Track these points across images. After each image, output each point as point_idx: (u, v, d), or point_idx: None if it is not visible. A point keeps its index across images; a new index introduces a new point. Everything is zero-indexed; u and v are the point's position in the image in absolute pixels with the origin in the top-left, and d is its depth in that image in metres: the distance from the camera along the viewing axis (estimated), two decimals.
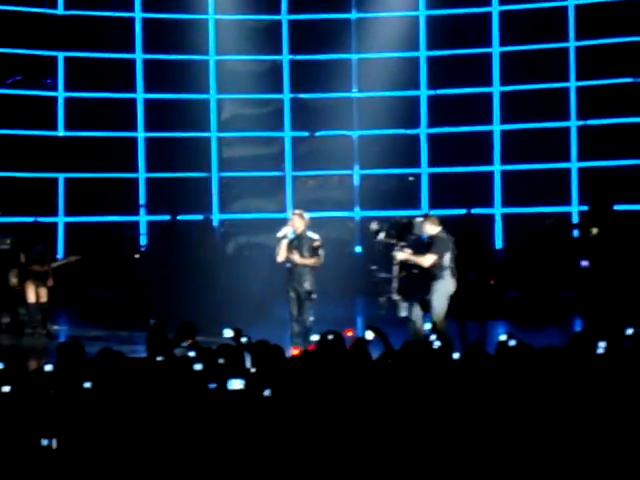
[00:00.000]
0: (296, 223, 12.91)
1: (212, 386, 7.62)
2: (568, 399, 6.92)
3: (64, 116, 21.79)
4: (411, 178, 22.74)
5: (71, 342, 8.47)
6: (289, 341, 12.56)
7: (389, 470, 6.03)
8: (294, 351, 10.70)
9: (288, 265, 12.87)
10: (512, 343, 8.54)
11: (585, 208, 20.12)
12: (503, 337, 8.93)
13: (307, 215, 13.07)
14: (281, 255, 12.87)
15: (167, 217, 20.09)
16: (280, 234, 12.87)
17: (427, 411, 6.78)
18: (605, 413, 6.64)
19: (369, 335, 9.68)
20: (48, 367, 7.97)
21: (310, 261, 12.80)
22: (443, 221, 12.93)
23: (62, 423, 6.62)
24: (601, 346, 8.26)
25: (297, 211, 13.31)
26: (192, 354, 8.48)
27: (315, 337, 10.29)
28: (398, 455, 6.20)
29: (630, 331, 9.43)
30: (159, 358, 8.18)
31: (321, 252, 12.86)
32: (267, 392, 7.48)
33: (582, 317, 16.31)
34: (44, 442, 5.50)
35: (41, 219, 18.98)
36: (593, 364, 7.85)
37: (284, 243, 12.83)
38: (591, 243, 17.62)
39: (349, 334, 11.86)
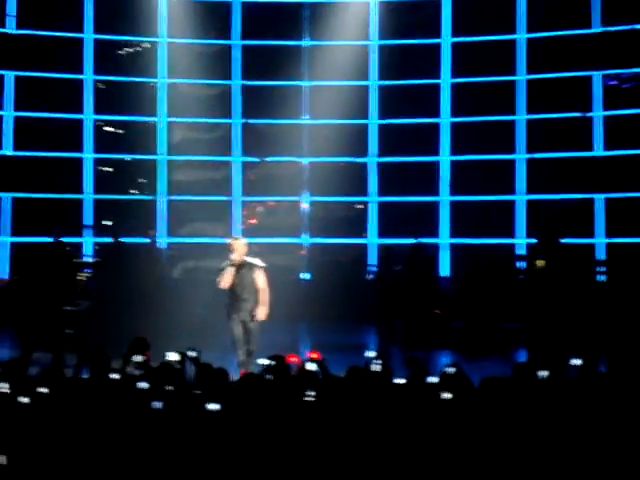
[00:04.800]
0: (240, 249, 12.90)
1: (156, 405, 7.51)
2: (511, 428, 6.92)
3: (12, 135, 21.58)
4: (360, 206, 22.77)
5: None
6: (234, 367, 12.44)
7: None
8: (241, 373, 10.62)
9: (234, 291, 12.81)
10: (451, 371, 8.53)
11: (533, 241, 20.25)
12: (448, 369, 8.88)
13: (245, 240, 13.13)
14: (225, 281, 12.82)
15: (109, 240, 19.92)
16: (234, 261, 12.83)
17: (369, 434, 6.76)
18: (548, 441, 6.64)
19: (311, 366, 9.63)
20: None
21: (265, 296, 12.82)
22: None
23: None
24: (542, 376, 8.26)
25: (237, 237, 13.36)
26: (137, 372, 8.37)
27: (262, 361, 10.23)
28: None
29: (576, 361, 9.42)
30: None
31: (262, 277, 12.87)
32: (212, 406, 7.39)
33: (526, 348, 16.36)
34: None
35: None
36: (535, 393, 7.85)
37: (231, 270, 12.79)
38: (536, 275, 17.72)
39: (292, 360, 11.80)
